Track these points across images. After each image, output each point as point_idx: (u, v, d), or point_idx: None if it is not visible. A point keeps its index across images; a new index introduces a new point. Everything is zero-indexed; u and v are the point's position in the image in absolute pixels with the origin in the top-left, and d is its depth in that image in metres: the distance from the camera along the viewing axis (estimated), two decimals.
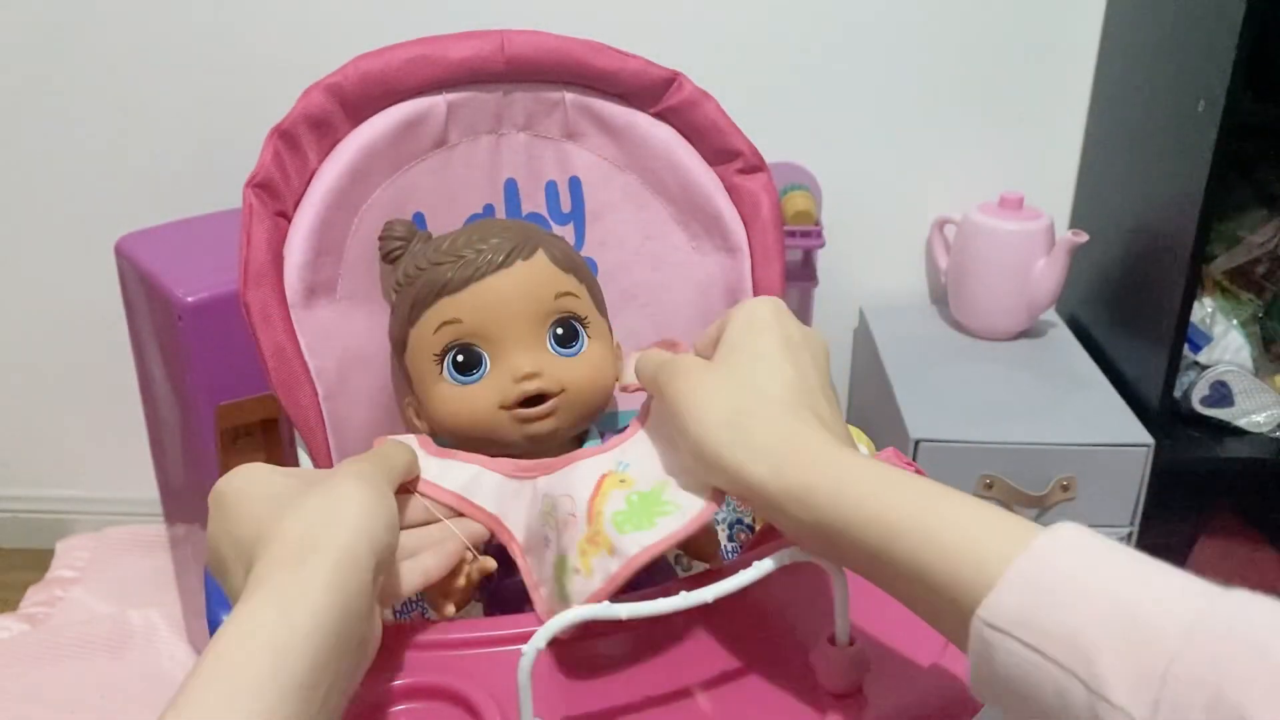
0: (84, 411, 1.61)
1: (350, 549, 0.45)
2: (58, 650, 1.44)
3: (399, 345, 0.65)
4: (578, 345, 0.64)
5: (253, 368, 0.67)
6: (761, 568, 0.47)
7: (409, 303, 0.63)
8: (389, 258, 0.66)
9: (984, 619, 0.39)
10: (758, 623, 0.55)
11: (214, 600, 0.57)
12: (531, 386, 0.62)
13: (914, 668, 0.51)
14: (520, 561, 0.58)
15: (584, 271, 0.67)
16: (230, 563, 0.48)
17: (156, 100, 1.43)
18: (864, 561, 0.44)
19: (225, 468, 1.22)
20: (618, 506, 0.55)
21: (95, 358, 1.54)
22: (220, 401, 1.19)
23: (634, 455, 0.60)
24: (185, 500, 1.37)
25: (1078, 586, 0.38)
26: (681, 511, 0.55)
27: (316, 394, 0.65)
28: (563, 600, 0.53)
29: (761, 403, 0.50)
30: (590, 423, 0.67)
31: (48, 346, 1.57)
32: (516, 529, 0.59)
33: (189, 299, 1.14)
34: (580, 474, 0.59)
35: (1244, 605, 0.36)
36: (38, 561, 1.62)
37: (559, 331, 0.64)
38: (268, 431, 1.27)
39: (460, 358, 0.62)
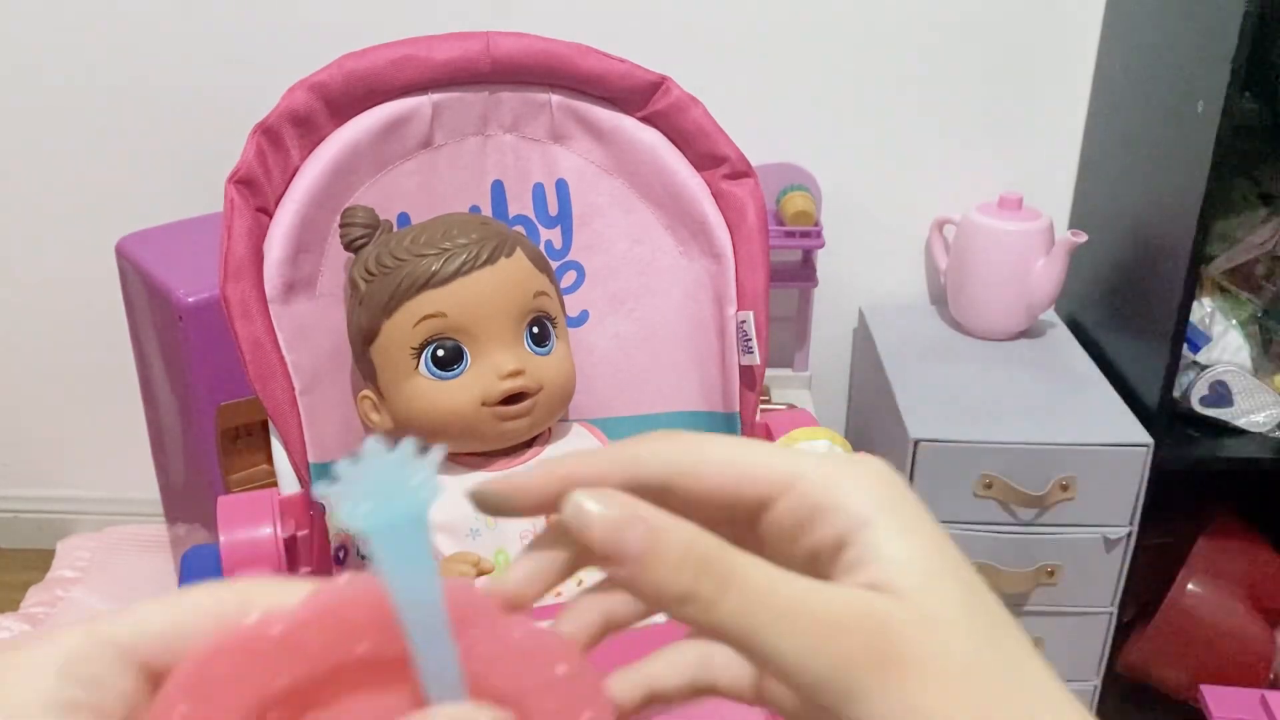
0: (84, 411, 1.61)
1: None
2: None
3: (366, 336, 0.64)
4: (550, 344, 0.65)
5: None
6: None
7: (385, 293, 0.62)
8: (352, 246, 0.66)
9: None
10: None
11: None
12: (516, 384, 0.62)
13: None
14: None
15: (552, 273, 0.68)
16: None
17: (157, 100, 1.43)
18: None
19: (225, 468, 1.24)
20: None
21: (95, 358, 1.54)
22: (220, 401, 1.19)
23: None
24: (186, 500, 1.37)
25: None
26: None
27: (293, 388, 0.66)
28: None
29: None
30: (552, 422, 0.68)
31: (48, 346, 1.57)
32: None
33: (189, 299, 1.14)
34: (511, 532, 0.63)
35: None
36: (38, 561, 1.62)
37: (534, 330, 0.64)
38: (268, 431, 1.27)
39: (440, 352, 0.62)
